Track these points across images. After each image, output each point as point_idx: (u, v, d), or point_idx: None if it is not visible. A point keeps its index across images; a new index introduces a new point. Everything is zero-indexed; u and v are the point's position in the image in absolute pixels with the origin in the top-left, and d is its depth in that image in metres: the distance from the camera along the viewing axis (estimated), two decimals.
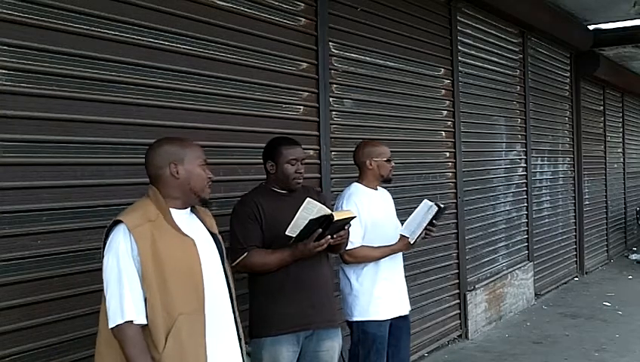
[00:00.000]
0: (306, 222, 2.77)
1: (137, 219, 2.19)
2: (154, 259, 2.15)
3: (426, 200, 3.42)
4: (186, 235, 2.26)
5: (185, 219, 2.33)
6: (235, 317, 2.40)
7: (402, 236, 3.48)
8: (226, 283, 2.38)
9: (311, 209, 2.77)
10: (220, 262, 2.38)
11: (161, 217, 2.24)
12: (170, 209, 2.28)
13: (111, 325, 2.13)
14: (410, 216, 3.48)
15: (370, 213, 3.48)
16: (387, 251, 3.49)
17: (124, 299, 2.12)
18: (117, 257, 2.16)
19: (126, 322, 2.11)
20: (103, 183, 3.04)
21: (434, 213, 3.38)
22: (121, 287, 2.13)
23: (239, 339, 2.40)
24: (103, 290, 2.18)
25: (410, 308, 3.70)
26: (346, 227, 2.96)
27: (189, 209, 2.38)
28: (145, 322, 2.14)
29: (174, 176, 2.30)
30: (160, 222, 2.23)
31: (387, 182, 3.65)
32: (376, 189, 3.63)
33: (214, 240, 2.40)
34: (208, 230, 2.40)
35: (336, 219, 2.81)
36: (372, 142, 3.72)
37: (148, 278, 2.14)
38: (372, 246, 3.47)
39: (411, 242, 3.46)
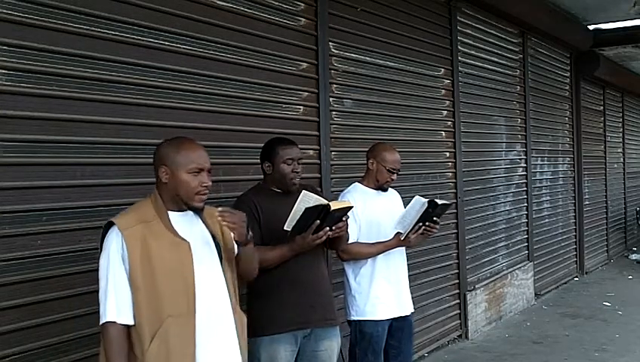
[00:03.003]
0: (303, 211, 2.75)
1: (130, 220, 2.21)
2: (144, 260, 2.15)
3: (417, 197, 3.40)
4: (181, 238, 2.24)
5: (183, 221, 2.31)
6: (235, 321, 2.37)
7: (397, 233, 3.47)
8: (225, 286, 2.36)
9: (307, 200, 2.76)
10: (218, 266, 2.35)
11: (158, 219, 2.24)
12: (169, 211, 2.28)
13: (100, 323, 2.18)
14: (402, 212, 3.47)
15: (365, 212, 3.47)
16: (381, 247, 3.47)
17: (108, 300, 2.16)
18: (108, 258, 2.19)
19: (108, 322, 2.14)
20: (103, 183, 3.04)
21: (424, 208, 3.34)
22: (107, 288, 2.17)
23: (240, 342, 2.38)
24: None
25: (412, 309, 3.68)
26: (344, 218, 2.95)
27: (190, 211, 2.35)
28: (131, 322, 2.16)
29: (163, 181, 2.29)
30: (156, 223, 2.23)
31: (382, 189, 3.60)
32: (380, 190, 3.61)
33: (215, 244, 2.37)
34: (211, 232, 2.37)
35: (333, 208, 2.80)
36: (386, 147, 3.66)
37: (135, 279, 2.15)
38: (366, 243, 3.47)
39: (402, 238, 3.44)
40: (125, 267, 2.17)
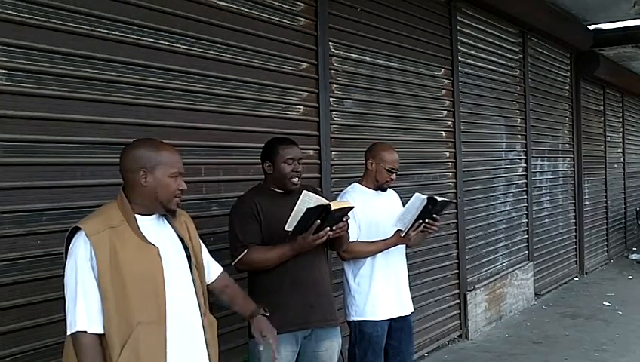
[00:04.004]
0: (304, 211, 2.75)
1: (97, 225, 2.13)
2: (112, 266, 2.09)
3: (417, 194, 3.39)
4: (150, 243, 2.18)
5: (151, 225, 2.25)
6: (203, 326, 2.31)
7: (397, 230, 3.47)
8: (195, 291, 2.30)
9: (308, 201, 2.75)
10: (188, 271, 2.29)
11: (126, 223, 2.16)
12: (136, 215, 2.21)
13: (68, 332, 2.10)
14: (402, 210, 3.47)
15: (364, 211, 3.46)
16: (381, 245, 3.47)
17: (77, 309, 2.07)
18: (75, 265, 2.10)
19: (79, 331, 2.07)
20: (103, 183, 3.04)
21: (424, 205, 3.34)
22: (76, 296, 2.08)
23: (207, 347, 2.32)
24: None
25: (412, 309, 3.68)
26: (345, 219, 2.96)
27: (158, 215, 2.29)
28: (102, 331, 2.08)
29: (141, 184, 2.21)
30: (123, 228, 2.15)
31: (381, 189, 3.60)
32: (380, 190, 3.61)
33: (183, 247, 2.31)
34: (179, 236, 2.32)
35: (333, 208, 2.80)
36: (384, 146, 3.65)
37: (104, 286, 2.07)
38: (366, 241, 3.47)
39: (402, 234, 3.43)
40: (94, 274, 2.08)
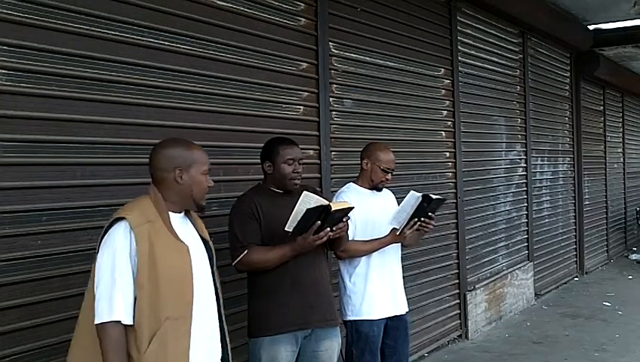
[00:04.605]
0: (304, 212, 2.76)
1: (138, 218, 2.18)
2: (150, 260, 2.14)
3: (412, 192, 3.39)
4: (181, 241, 2.25)
5: (180, 223, 2.32)
6: (221, 325, 2.39)
7: (393, 229, 3.47)
8: (214, 289, 2.38)
9: (308, 201, 2.76)
10: (209, 270, 2.38)
11: (160, 220, 2.23)
12: (168, 212, 2.29)
13: (96, 321, 2.11)
14: (398, 208, 3.47)
15: (360, 211, 3.45)
16: (377, 244, 3.47)
17: (115, 299, 2.10)
18: (113, 254, 2.14)
19: (112, 321, 2.09)
20: (103, 183, 3.04)
21: (419, 203, 3.34)
22: (113, 285, 2.11)
23: (224, 346, 2.40)
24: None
25: (407, 309, 3.68)
26: (345, 219, 2.95)
27: (183, 213, 2.37)
28: (131, 323, 2.12)
29: (177, 182, 2.29)
30: (158, 224, 2.21)
31: (376, 189, 3.59)
32: (375, 190, 3.61)
33: (205, 246, 2.39)
34: (200, 235, 2.40)
35: (334, 209, 2.80)
36: (379, 146, 3.65)
37: (141, 279, 2.13)
38: (362, 240, 3.47)
39: (397, 233, 3.44)
40: (132, 265, 2.14)
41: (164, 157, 2.32)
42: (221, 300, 2.43)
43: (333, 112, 4.66)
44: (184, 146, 2.35)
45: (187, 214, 2.39)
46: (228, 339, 2.44)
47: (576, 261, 9.54)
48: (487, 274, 6.85)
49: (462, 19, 6.40)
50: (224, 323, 2.43)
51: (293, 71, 4.28)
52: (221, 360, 2.39)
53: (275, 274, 2.95)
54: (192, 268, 2.25)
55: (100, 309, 2.12)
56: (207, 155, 2.40)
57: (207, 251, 2.39)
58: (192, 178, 2.31)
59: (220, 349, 2.39)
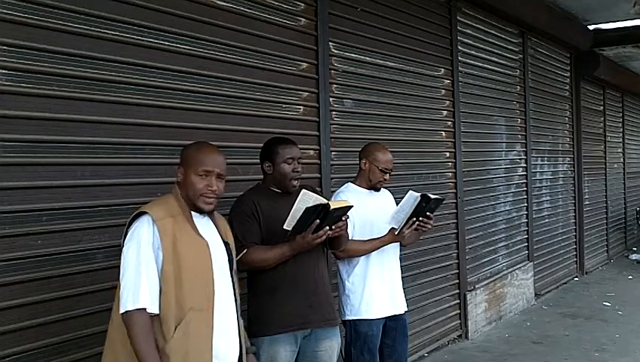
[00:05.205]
0: (302, 210, 2.76)
1: (161, 212, 2.26)
2: (174, 253, 2.21)
3: (411, 191, 3.40)
4: (202, 237, 2.33)
5: (202, 222, 2.39)
6: (237, 322, 2.45)
7: (391, 228, 3.47)
8: (232, 288, 2.44)
9: (306, 200, 2.76)
10: (228, 268, 2.44)
11: (182, 215, 2.30)
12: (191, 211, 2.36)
13: (121, 310, 2.17)
14: (396, 208, 3.48)
15: (358, 211, 3.45)
16: (376, 243, 3.48)
17: (141, 288, 2.17)
18: (138, 246, 2.21)
19: (138, 309, 2.15)
20: (103, 183, 3.04)
21: (417, 202, 3.35)
22: (138, 276, 2.18)
23: (240, 342, 2.46)
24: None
25: (406, 308, 3.69)
26: (344, 218, 2.95)
27: (205, 213, 2.42)
28: (157, 312, 2.19)
29: (178, 180, 2.39)
30: (181, 219, 2.29)
31: (374, 189, 3.61)
32: (373, 189, 3.61)
33: (225, 248, 2.45)
34: (221, 237, 2.46)
35: (332, 207, 2.80)
36: (377, 147, 3.66)
37: (167, 271, 2.20)
38: (361, 240, 3.47)
39: (396, 233, 3.44)
40: (156, 257, 2.21)
41: (180, 156, 2.43)
42: (238, 301, 2.49)
43: (333, 112, 4.66)
44: (194, 146, 2.43)
45: (209, 214, 2.44)
46: (242, 339, 2.49)
47: (576, 261, 9.55)
48: (487, 274, 6.85)
49: (462, 19, 6.40)
50: (240, 323, 2.49)
51: (293, 71, 4.28)
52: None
53: (275, 274, 2.95)
54: (213, 263, 2.31)
55: (124, 298, 2.17)
56: (211, 158, 2.39)
57: (227, 253, 2.45)
58: (187, 178, 2.35)
59: (238, 346, 2.43)
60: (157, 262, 2.21)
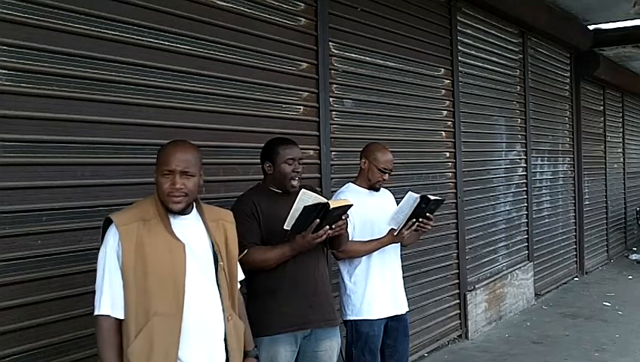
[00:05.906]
0: (302, 210, 2.75)
1: (128, 217, 2.25)
2: (137, 257, 2.19)
3: (410, 192, 3.40)
4: (177, 239, 2.26)
5: (185, 224, 2.32)
6: (225, 327, 2.35)
7: (391, 229, 3.47)
8: (218, 293, 2.34)
9: (306, 199, 2.76)
10: (213, 270, 2.35)
11: (158, 218, 2.27)
12: (173, 213, 2.29)
13: (94, 314, 2.22)
14: (396, 208, 3.48)
15: (358, 211, 3.45)
16: (375, 244, 3.48)
17: (103, 294, 2.21)
18: (105, 252, 2.24)
19: (102, 315, 2.20)
20: (103, 183, 3.04)
21: (417, 203, 3.35)
22: (102, 282, 2.22)
23: (226, 348, 2.35)
24: None
25: (407, 308, 3.68)
26: (344, 217, 2.95)
27: (193, 213, 2.37)
28: (122, 317, 2.20)
29: (155, 181, 2.34)
30: (155, 222, 2.26)
31: (374, 189, 3.60)
32: (373, 189, 3.61)
33: (212, 249, 2.37)
34: (211, 239, 2.37)
35: (332, 206, 2.79)
36: (378, 147, 3.65)
37: (127, 274, 2.19)
38: (361, 241, 3.47)
39: (395, 233, 3.44)
40: (119, 262, 2.21)
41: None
42: (237, 304, 2.45)
43: (333, 112, 4.66)
44: (162, 147, 2.34)
45: (202, 215, 2.39)
46: (235, 344, 2.38)
47: (576, 261, 9.55)
48: (487, 274, 6.85)
49: (462, 20, 6.40)
50: (239, 326, 2.42)
51: (293, 71, 4.28)
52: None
53: (275, 274, 2.95)
54: (187, 266, 2.25)
55: (95, 304, 2.23)
56: (173, 157, 2.26)
57: (212, 254, 2.36)
58: (156, 180, 2.31)
59: (225, 352, 2.35)
60: (120, 267, 2.20)
